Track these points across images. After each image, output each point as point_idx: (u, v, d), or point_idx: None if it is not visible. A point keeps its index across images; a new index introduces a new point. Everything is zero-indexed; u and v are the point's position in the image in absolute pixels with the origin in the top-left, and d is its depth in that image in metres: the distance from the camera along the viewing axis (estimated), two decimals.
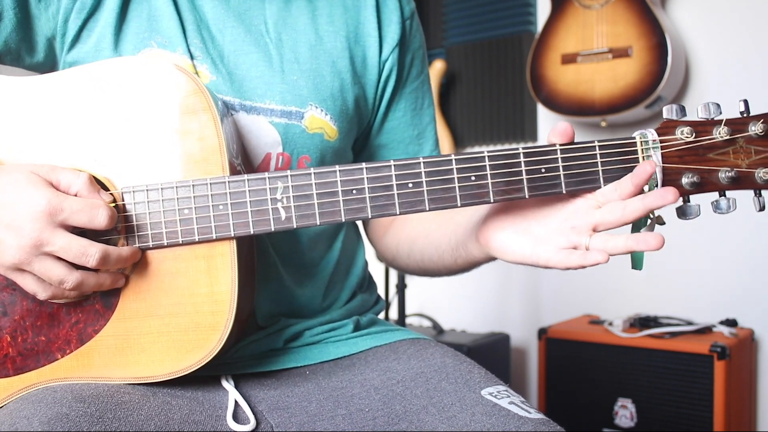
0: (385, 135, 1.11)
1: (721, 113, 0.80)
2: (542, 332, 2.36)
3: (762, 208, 0.81)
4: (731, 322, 2.26)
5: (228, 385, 0.88)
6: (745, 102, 0.80)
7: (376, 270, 1.22)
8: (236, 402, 0.86)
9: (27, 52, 0.94)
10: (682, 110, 0.81)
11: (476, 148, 2.95)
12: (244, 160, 0.94)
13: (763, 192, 0.81)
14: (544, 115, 2.75)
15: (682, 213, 0.81)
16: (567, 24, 2.41)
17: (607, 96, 2.33)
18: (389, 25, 1.06)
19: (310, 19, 1.02)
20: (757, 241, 2.32)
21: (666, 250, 0.84)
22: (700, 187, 0.81)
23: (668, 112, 0.81)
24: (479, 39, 2.90)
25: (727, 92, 2.37)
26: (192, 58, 0.93)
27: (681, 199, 0.82)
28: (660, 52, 2.24)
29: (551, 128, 0.82)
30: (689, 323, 2.28)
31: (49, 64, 0.97)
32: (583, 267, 0.80)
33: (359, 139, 1.10)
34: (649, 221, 0.82)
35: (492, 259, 0.93)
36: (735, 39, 2.37)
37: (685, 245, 2.38)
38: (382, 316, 1.17)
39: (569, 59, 2.39)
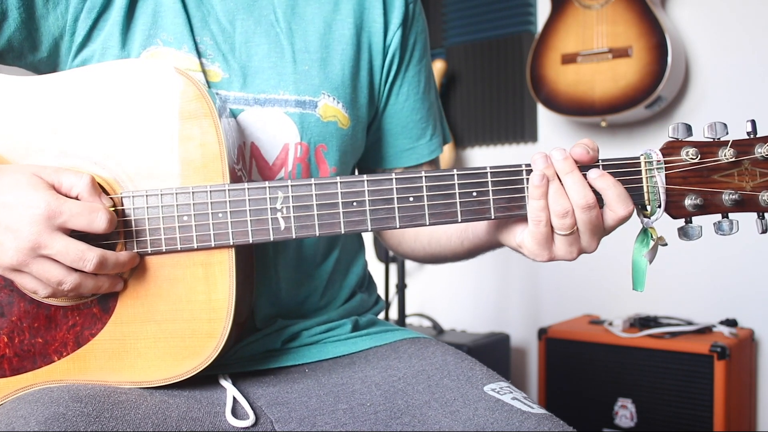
0: (388, 119, 1.11)
1: (727, 133, 0.80)
2: (542, 332, 2.36)
3: (765, 231, 0.81)
4: (731, 322, 2.26)
5: (226, 383, 0.88)
6: (753, 122, 0.80)
7: (376, 270, 1.22)
8: (234, 398, 0.86)
9: (30, 50, 0.94)
10: (688, 129, 0.80)
11: (476, 149, 2.95)
12: (259, 155, 0.94)
13: (766, 214, 0.81)
14: (544, 115, 2.75)
15: (684, 234, 0.81)
16: (567, 24, 2.41)
17: (607, 96, 2.33)
18: (393, 10, 1.07)
19: (318, 8, 1.02)
20: (757, 241, 2.31)
21: (666, 250, 0.84)
22: (703, 209, 0.81)
23: (674, 131, 0.80)
24: (479, 39, 2.89)
25: (727, 92, 2.37)
26: (200, 55, 0.93)
27: (683, 220, 0.82)
28: (660, 52, 2.24)
29: (577, 142, 0.81)
30: (689, 323, 2.28)
31: (51, 64, 0.96)
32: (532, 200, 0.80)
33: (367, 126, 1.10)
34: (651, 242, 0.82)
35: (497, 245, 0.93)
36: (735, 39, 2.37)
37: (685, 245, 2.37)
38: (381, 316, 1.17)
39: (569, 59, 2.39)
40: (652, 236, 0.81)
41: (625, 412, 2.19)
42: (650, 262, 0.82)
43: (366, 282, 1.15)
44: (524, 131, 2.80)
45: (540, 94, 2.47)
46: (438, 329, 2.58)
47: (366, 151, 1.12)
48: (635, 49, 2.27)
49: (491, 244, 0.94)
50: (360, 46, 1.04)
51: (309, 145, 0.97)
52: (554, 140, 2.71)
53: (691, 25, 2.42)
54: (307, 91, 0.97)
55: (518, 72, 2.79)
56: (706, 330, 2.23)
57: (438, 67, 2.83)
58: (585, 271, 2.64)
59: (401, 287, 2.50)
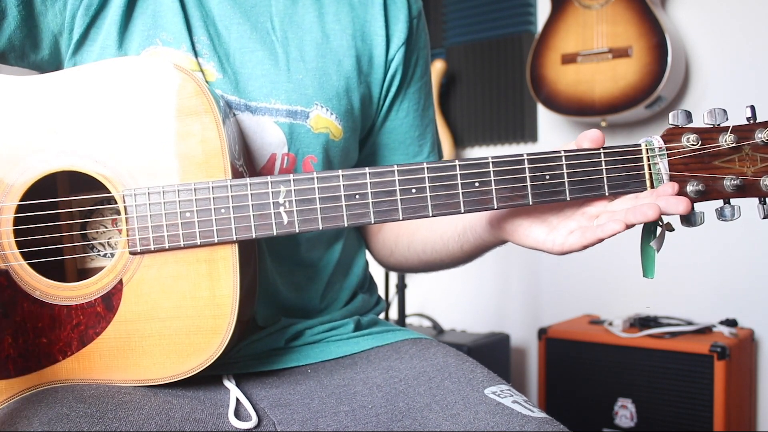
0: (386, 135, 1.11)
1: (727, 119, 0.80)
2: (542, 332, 2.36)
3: (766, 216, 0.81)
4: (731, 322, 2.26)
5: (229, 384, 0.88)
6: (752, 108, 0.80)
7: (376, 270, 1.22)
8: (238, 400, 0.86)
9: (31, 49, 0.93)
10: (688, 116, 0.80)
11: (476, 149, 2.95)
12: (248, 161, 0.93)
13: (767, 199, 0.81)
14: (544, 115, 2.75)
15: (687, 221, 0.81)
16: (567, 24, 2.41)
17: (607, 96, 2.33)
18: (396, 24, 1.05)
19: (317, 17, 1.01)
20: (757, 241, 2.32)
21: (666, 250, 0.84)
22: (705, 195, 0.81)
23: (674, 118, 0.80)
24: (479, 39, 2.90)
25: (727, 92, 2.37)
26: (197, 55, 0.92)
27: None
28: (660, 52, 2.24)
29: (581, 133, 0.81)
30: (689, 323, 2.28)
31: (54, 63, 0.96)
32: (601, 240, 0.78)
33: (362, 138, 1.10)
34: (659, 228, 0.81)
35: (501, 243, 0.92)
36: (735, 39, 2.37)
37: (685, 245, 2.38)
38: (382, 316, 1.17)
39: (569, 59, 2.39)
40: (659, 223, 0.81)
41: (625, 412, 2.19)
42: (658, 250, 0.81)
43: (367, 283, 1.15)
44: (524, 131, 2.80)
45: (540, 94, 2.47)
46: (438, 329, 2.58)
47: (360, 163, 1.11)
48: (635, 49, 2.28)
49: (495, 243, 0.93)
50: (359, 58, 1.03)
51: (296, 156, 0.96)
52: (554, 140, 2.72)
53: (691, 25, 2.42)
54: (299, 101, 0.96)
55: (518, 72, 2.79)
56: (706, 330, 2.23)
57: (438, 67, 2.83)
58: (585, 271, 2.65)
59: (401, 287, 2.50)
